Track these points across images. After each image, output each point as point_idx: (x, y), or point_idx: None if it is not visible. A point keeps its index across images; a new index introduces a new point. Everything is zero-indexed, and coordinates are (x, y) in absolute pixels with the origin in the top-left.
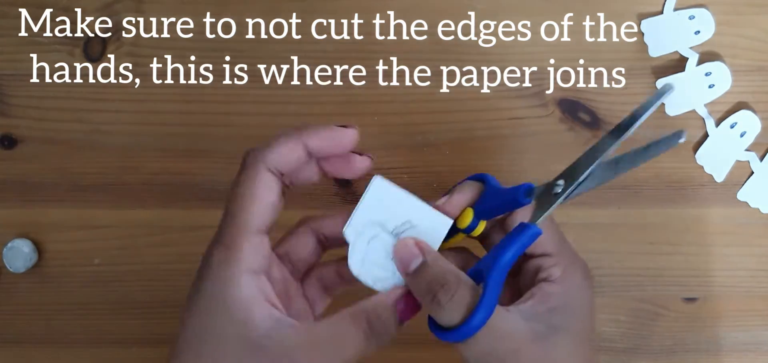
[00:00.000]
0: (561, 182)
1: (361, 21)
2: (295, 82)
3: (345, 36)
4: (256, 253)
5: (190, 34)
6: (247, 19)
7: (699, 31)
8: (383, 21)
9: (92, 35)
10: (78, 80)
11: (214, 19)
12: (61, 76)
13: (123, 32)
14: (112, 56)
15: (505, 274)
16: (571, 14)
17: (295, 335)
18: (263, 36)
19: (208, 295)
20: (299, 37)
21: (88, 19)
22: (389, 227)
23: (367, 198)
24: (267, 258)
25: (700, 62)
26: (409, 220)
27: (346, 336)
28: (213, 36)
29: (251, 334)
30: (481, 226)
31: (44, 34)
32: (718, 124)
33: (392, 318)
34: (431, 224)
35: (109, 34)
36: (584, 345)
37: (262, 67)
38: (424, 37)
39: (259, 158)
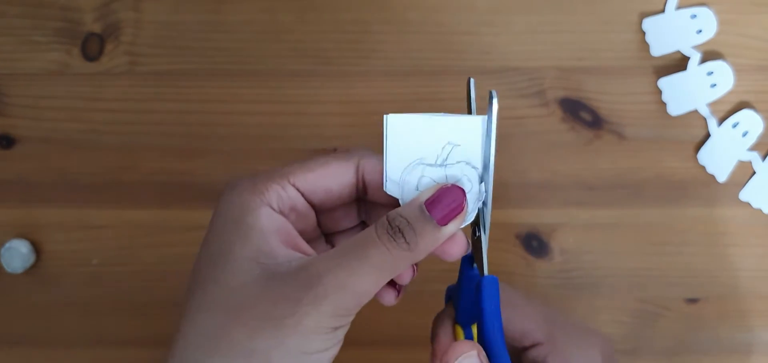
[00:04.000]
0: (474, 229)
1: (361, 20)
2: (295, 82)
3: (345, 35)
4: (281, 198)
5: (189, 34)
6: (245, 18)
7: (701, 30)
8: (383, 20)
9: (90, 34)
10: (76, 80)
11: (212, 18)
12: (59, 76)
13: (121, 32)
14: (110, 56)
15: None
16: (573, 13)
17: (316, 257)
18: (262, 35)
19: (222, 220)
20: (299, 36)
21: (87, 18)
22: (430, 160)
23: (389, 142)
24: (292, 208)
25: (702, 61)
26: (447, 141)
27: (370, 242)
28: (211, 35)
29: (266, 259)
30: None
31: (42, 34)
32: (720, 123)
33: (423, 219)
34: (466, 134)
35: (108, 33)
36: None
37: (261, 66)
38: (425, 36)
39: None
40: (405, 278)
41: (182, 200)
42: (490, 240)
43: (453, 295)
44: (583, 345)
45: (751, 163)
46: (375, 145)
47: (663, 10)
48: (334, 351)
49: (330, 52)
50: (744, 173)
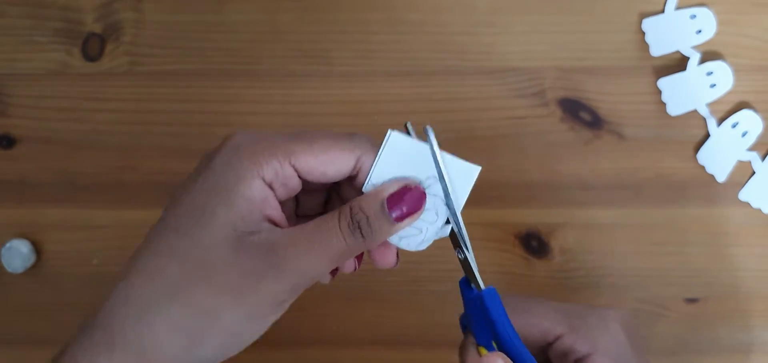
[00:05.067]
0: (458, 251)
1: (361, 20)
2: (295, 81)
3: (345, 35)
4: (277, 174)
5: (189, 34)
6: (245, 18)
7: (700, 31)
8: (383, 20)
9: (91, 34)
10: (76, 80)
11: (212, 18)
12: (59, 76)
13: (122, 32)
14: (110, 56)
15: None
16: (573, 13)
17: (283, 234)
18: (262, 35)
19: (213, 178)
20: (298, 35)
21: (87, 18)
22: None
23: (384, 154)
24: (284, 184)
25: (701, 62)
26: (434, 173)
27: (332, 231)
28: (211, 35)
29: (242, 228)
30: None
31: (43, 34)
32: (719, 123)
33: (382, 215)
34: (459, 175)
35: (108, 33)
36: None
37: (260, 66)
38: (425, 36)
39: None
40: (349, 267)
41: None
42: (491, 240)
43: (467, 323)
44: (603, 323)
45: (750, 163)
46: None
47: (663, 11)
48: (277, 317)
49: (330, 52)
50: (743, 173)
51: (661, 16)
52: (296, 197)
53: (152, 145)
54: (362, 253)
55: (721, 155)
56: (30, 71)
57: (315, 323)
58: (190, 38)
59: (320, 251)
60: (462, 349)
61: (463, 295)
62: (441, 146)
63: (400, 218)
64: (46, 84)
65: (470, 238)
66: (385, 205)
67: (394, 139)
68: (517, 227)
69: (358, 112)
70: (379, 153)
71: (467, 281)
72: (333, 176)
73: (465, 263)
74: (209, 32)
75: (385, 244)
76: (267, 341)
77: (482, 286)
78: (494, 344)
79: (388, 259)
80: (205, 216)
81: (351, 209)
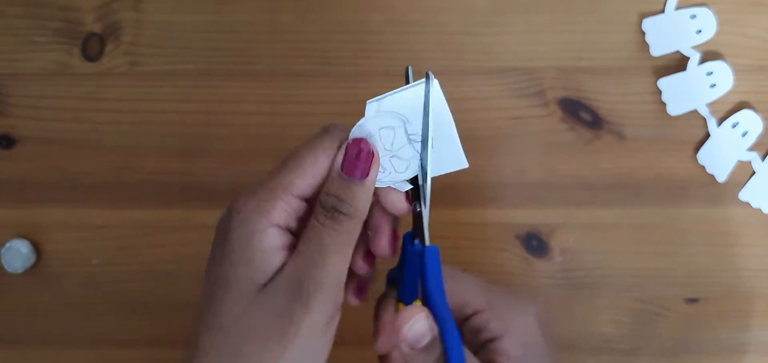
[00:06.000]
0: (415, 204)
1: (361, 20)
2: (294, 81)
3: (345, 35)
4: (288, 213)
5: (189, 34)
6: (245, 18)
7: (700, 31)
8: (383, 20)
9: (91, 35)
10: (76, 80)
11: (212, 18)
12: (59, 76)
13: (121, 32)
14: (110, 56)
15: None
16: (573, 13)
17: (288, 267)
18: (262, 35)
19: (229, 246)
20: (298, 35)
21: (87, 18)
22: (410, 129)
23: (409, 91)
24: (297, 217)
25: (701, 61)
26: (433, 136)
27: (315, 230)
28: (211, 35)
29: (263, 279)
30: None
31: (42, 34)
32: (719, 123)
33: (346, 184)
34: (448, 154)
35: (108, 33)
36: None
37: (260, 66)
38: (425, 36)
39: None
40: (362, 269)
41: (182, 200)
42: (491, 240)
43: (395, 278)
44: (521, 310)
45: (750, 163)
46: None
47: (663, 10)
48: (331, 339)
49: (330, 52)
50: (744, 173)
51: (661, 16)
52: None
53: (152, 145)
54: (365, 284)
55: (722, 155)
56: (30, 71)
57: None
58: (190, 38)
59: (321, 256)
60: (379, 302)
61: (403, 248)
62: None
63: (363, 174)
64: (46, 84)
65: (471, 238)
66: (343, 175)
67: (434, 88)
68: (517, 227)
69: (358, 112)
70: (409, 86)
71: (411, 236)
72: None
73: (418, 217)
74: (209, 32)
75: (379, 228)
76: None
77: (427, 242)
78: (418, 302)
79: (397, 205)
80: (230, 282)
81: (320, 201)
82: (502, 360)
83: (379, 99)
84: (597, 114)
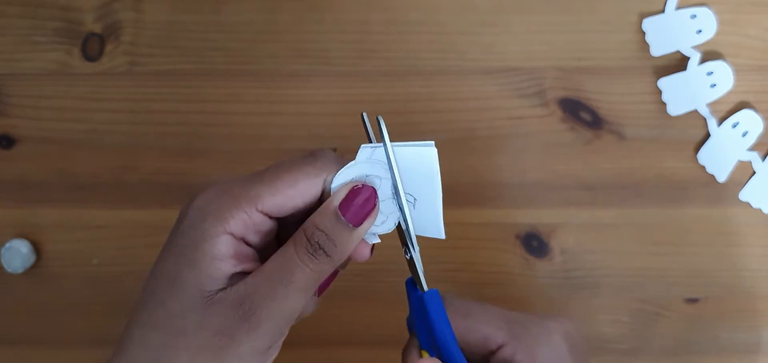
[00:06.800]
0: (405, 250)
1: (361, 20)
2: (294, 81)
3: (344, 35)
4: (246, 225)
5: (189, 34)
6: (245, 18)
7: (701, 31)
8: (383, 20)
9: (90, 34)
10: (76, 80)
11: (212, 18)
12: (59, 76)
13: (121, 32)
14: (110, 56)
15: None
16: (573, 13)
17: (245, 285)
18: (262, 35)
19: (180, 243)
20: (298, 35)
21: (87, 18)
22: (394, 185)
23: (408, 149)
24: (257, 234)
25: (701, 61)
26: (415, 195)
27: (291, 264)
28: (211, 35)
29: (210, 287)
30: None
31: (42, 34)
32: (719, 123)
33: (339, 225)
34: (417, 163)
35: (108, 33)
36: None
37: (260, 66)
38: (425, 36)
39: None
40: (328, 281)
41: (182, 200)
42: (491, 240)
43: (411, 325)
44: (545, 335)
45: (751, 163)
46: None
47: (663, 10)
48: (269, 361)
49: (330, 52)
50: (744, 173)
51: (661, 16)
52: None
53: (152, 145)
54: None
55: (722, 155)
56: (30, 71)
57: (315, 323)
58: (190, 38)
59: (285, 289)
60: (405, 351)
61: (408, 296)
62: (440, 162)
63: (358, 221)
64: (46, 84)
65: (471, 238)
66: (339, 214)
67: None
68: (517, 227)
69: (357, 112)
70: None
71: (413, 282)
72: (304, 206)
73: (411, 263)
74: (209, 32)
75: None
76: None
77: (425, 287)
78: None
79: (362, 253)
80: (175, 283)
81: (305, 232)
82: None
83: (375, 146)
84: (597, 114)
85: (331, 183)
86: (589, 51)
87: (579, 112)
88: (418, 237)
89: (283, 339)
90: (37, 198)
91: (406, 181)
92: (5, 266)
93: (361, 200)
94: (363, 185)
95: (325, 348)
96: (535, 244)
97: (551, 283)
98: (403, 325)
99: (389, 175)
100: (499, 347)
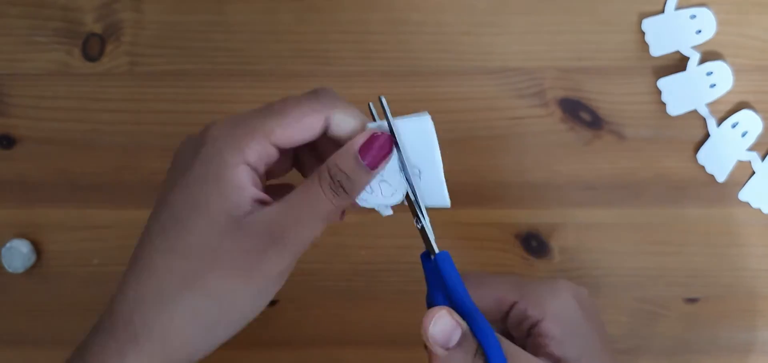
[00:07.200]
0: (415, 220)
1: (361, 20)
2: (294, 81)
3: (345, 35)
4: (260, 156)
5: (189, 34)
6: (245, 18)
7: (700, 31)
8: (383, 20)
9: (91, 35)
10: (76, 80)
11: (212, 18)
12: (59, 76)
13: (121, 32)
14: (110, 56)
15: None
16: (573, 13)
17: (273, 211)
18: (262, 35)
19: (202, 171)
20: (298, 35)
21: (87, 18)
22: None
23: (408, 121)
24: (267, 162)
25: (701, 62)
26: (419, 167)
27: (318, 196)
28: (211, 35)
29: (237, 213)
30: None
31: (43, 34)
32: (719, 123)
33: (358, 167)
34: (416, 135)
35: (108, 33)
36: (604, 355)
37: (260, 66)
38: (425, 36)
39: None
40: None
41: None
42: (491, 240)
43: (431, 301)
44: (554, 291)
45: (750, 163)
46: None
47: (662, 11)
48: (279, 288)
49: (330, 52)
50: (743, 173)
51: (661, 16)
52: None
53: (152, 145)
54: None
55: (721, 155)
56: (30, 71)
57: (315, 323)
58: (190, 38)
59: (311, 218)
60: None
61: (424, 269)
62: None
63: (374, 164)
64: (46, 84)
65: (471, 239)
66: (358, 156)
67: (427, 126)
68: (517, 227)
69: None
70: (403, 118)
71: (427, 254)
72: (307, 140)
73: (422, 232)
74: (209, 32)
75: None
76: (267, 341)
77: (436, 250)
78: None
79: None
80: (201, 207)
81: (329, 170)
82: (546, 342)
83: (379, 124)
84: (597, 114)
85: (335, 120)
86: (589, 51)
87: (579, 112)
88: (428, 209)
89: (293, 267)
90: (38, 198)
91: (410, 153)
92: (5, 266)
93: (378, 145)
94: (382, 133)
95: (325, 348)
96: (534, 244)
97: None
98: (404, 326)
99: (395, 150)
100: (512, 306)
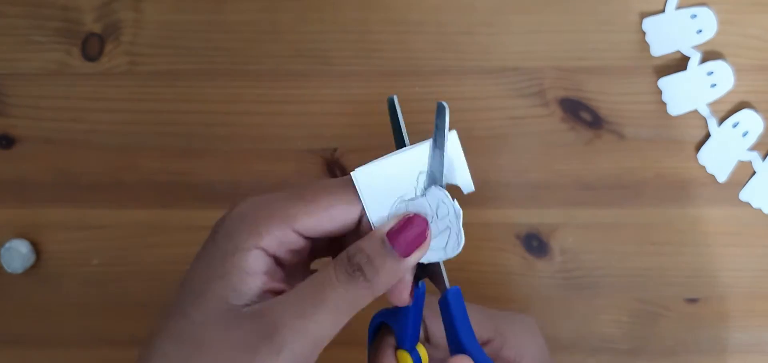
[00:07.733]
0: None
1: (361, 20)
2: (294, 81)
3: (345, 35)
4: (280, 243)
5: (189, 34)
6: (245, 18)
7: (701, 30)
8: (383, 20)
9: (90, 34)
10: (76, 80)
11: (212, 18)
12: (59, 76)
13: (121, 32)
14: (110, 56)
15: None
16: (573, 13)
17: (274, 301)
18: (262, 35)
19: (211, 251)
20: (298, 35)
21: (87, 18)
22: (409, 194)
23: (364, 197)
24: (289, 253)
25: (702, 61)
26: (418, 171)
27: (325, 284)
28: (211, 35)
29: (237, 301)
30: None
31: (42, 34)
32: (720, 123)
33: (384, 252)
34: (418, 159)
35: (108, 33)
36: None
37: (260, 66)
38: (425, 36)
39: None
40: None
41: (182, 200)
42: (491, 240)
43: (387, 321)
44: (528, 330)
45: (751, 163)
46: (374, 145)
47: (663, 10)
48: None
49: (330, 52)
50: (744, 173)
51: (661, 15)
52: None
53: (152, 145)
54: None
55: (722, 155)
56: (30, 71)
57: None
58: (190, 38)
59: (316, 311)
60: (377, 351)
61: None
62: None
63: (407, 252)
64: (46, 84)
65: (471, 238)
66: (386, 241)
67: (360, 176)
68: (517, 227)
69: (357, 112)
70: (360, 196)
71: (416, 278)
72: (338, 231)
73: (429, 269)
74: (209, 32)
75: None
76: None
77: (448, 284)
78: (419, 351)
79: (400, 294)
80: (201, 294)
81: (348, 254)
82: None
83: (422, 171)
84: (597, 114)
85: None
86: (589, 51)
87: (579, 112)
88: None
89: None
90: (37, 198)
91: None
92: (5, 266)
93: (412, 231)
94: (415, 215)
95: (325, 348)
96: (535, 244)
97: (551, 283)
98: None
99: (451, 198)
100: (486, 343)
